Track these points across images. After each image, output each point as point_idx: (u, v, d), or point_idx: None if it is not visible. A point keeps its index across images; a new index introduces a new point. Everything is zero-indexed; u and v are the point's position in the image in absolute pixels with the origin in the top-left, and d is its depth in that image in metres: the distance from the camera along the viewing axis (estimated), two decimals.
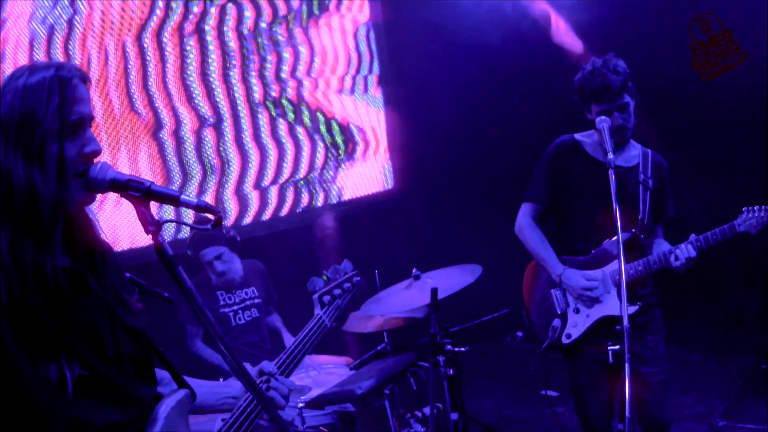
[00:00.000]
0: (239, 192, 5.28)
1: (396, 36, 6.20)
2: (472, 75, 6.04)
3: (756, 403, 4.64)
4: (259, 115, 5.39)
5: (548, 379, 3.66)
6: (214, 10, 5.11)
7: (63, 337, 1.40)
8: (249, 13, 5.30)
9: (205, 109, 5.09)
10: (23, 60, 4.15)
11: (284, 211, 5.54)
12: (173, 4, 4.90)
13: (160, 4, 4.83)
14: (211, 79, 5.12)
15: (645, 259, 3.10)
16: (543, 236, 3.29)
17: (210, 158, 5.11)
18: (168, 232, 4.78)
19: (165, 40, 4.86)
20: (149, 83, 4.79)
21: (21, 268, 1.37)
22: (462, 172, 6.34)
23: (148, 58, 4.78)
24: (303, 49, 5.62)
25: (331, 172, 5.85)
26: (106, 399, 1.48)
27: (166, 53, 4.88)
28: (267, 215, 5.45)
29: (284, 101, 5.53)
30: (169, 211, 4.38)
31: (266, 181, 5.43)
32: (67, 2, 4.39)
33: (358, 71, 6.03)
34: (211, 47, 5.11)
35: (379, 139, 6.23)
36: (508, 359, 5.84)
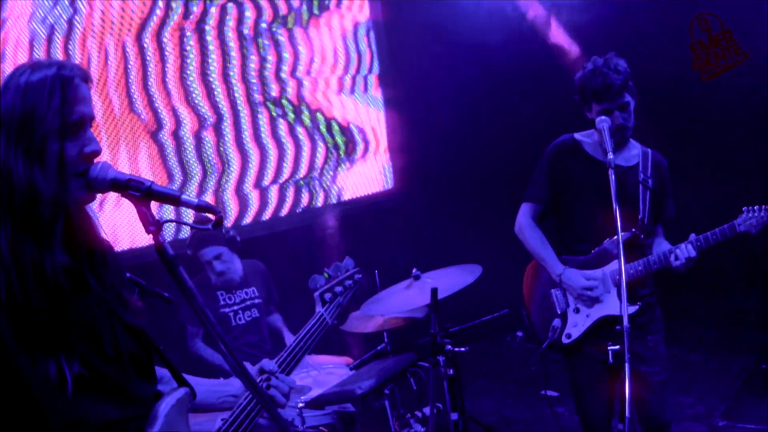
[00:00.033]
0: (239, 192, 5.28)
1: (396, 36, 6.20)
2: (472, 75, 6.04)
3: (756, 403, 4.64)
4: (259, 115, 5.39)
5: (548, 379, 3.65)
6: (214, 10, 5.11)
7: (63, 336, 1.40)
8: (249, 13, 5.30)
9: (205, 109, 5.09)
10: (23, 60, 4.14)
11: (284, 211, 5.54)
12: (173, 4, 4.89)
13: (160, 3, 4.83)
14: (211, 79, 5.12)
15: (645, 259, 3.10)
16: (543, 236, 3.29)
17: (210, 158, 5.11)
18: (168, 232, 4.78)
19: (165, 40, 4.86)
20: (149, 83, 4.79)
21: (21, 266, 1.37)
22: (462, 172, 6.34)
23: (148, 58, 4.78)
24: (303, 49, 5.62)
25: (331, 172, 5.85)
26: (106, 397, 1.48)
27: (166, 53, 4.88)
28: (267, 215, 5.45)
29: (284, 101, 5.53)
30: (169, 211, 4.38)
31: (266, 181, 5.43)
32: (67, 2, 4.38)
33: (358, 71, 6.03)
34: (211, 47, 5.11)
35: (379, 139, 6.23)
36: (508, 359, 5.84)
